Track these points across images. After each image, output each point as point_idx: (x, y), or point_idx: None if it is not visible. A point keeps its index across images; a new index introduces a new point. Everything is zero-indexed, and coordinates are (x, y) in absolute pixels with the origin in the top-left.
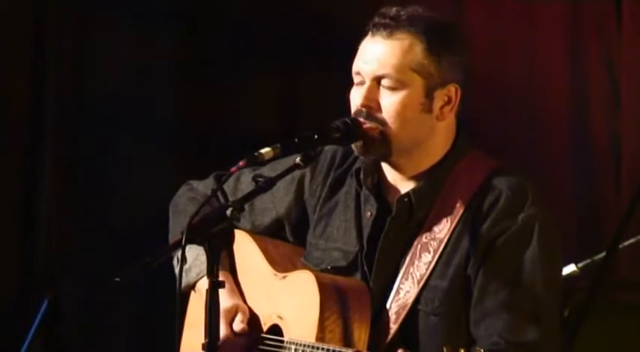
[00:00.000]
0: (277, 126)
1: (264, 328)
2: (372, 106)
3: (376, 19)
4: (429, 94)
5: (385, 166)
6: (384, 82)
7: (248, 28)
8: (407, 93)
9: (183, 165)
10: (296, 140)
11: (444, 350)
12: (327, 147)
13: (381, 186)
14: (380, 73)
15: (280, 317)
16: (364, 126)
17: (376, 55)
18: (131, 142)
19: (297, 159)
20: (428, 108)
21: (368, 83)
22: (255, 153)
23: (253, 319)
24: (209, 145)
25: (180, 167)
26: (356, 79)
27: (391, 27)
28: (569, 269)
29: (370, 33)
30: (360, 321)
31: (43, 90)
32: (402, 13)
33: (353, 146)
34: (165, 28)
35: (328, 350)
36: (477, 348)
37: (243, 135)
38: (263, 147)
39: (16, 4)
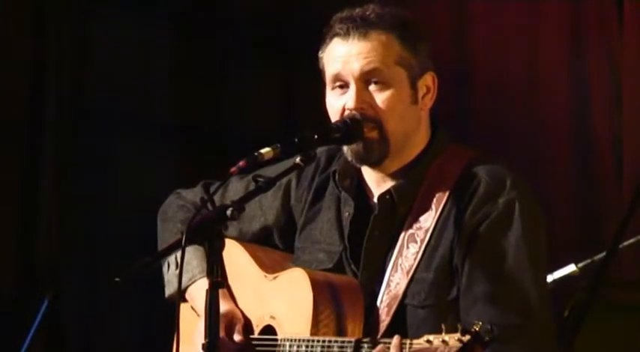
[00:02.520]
0: (277, 126)
1: (257, 330)
2: (364, 107)
3: (342, 24)
4: (413, 85)
5: (365, 167)
6: (374, 79)
7: (248, 28)
8: (397, 88)
9: (183, 165)
10: (296, 140)
11: (443, 327)
12: None
13: (361, 186)
14: (368, 70)
15: (273, 317)
16: (363, 129)
17: (358, 55)
18: (131, 142)
19: (297, 159)
20: (415, 100)
21: (355, 85)
22: (255, 153)
23: (245, 323)
24: (209, 145)
25: (180, 166)
26: (335, 84)
27: (364, 27)
28: (569, 269)
29: (339, 37)
30: (353, 316)
31: (43, 90)
32: (368, 13)
33: (350, 154)
34: (165, 28)
35: (324, 341)
36: (477, 322)
37: (243, 135)
38: (263, 147)
39: (15, 3)
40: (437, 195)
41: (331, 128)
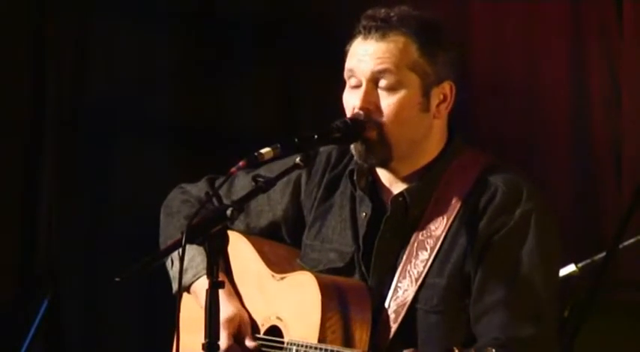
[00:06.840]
0: (277, 126)
1: (262, 329)
2: (370, 108)
3: (365, 22)
4: (425, 93)
5: (379, 168)
6: (382, 82)
7: (248, 28)
8: (405, 93)
9: (183, 165)
10: (296, 140)
11: (455, 350)
12: (322, 149)
13: (376, 186)
14: (378, 71)
15: (279, 319)
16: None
17: (372, 55)
18: (131, 142)
19: (297, 159)
20: (425, 107)
21: (365, 85)
22: (255, 153)
23: (250, 321)
24: (209, 145)
25: (180, 167)
26: (350, 81)
27: (384, 28)
28: (569, 269)
29: (362, 35)
30: (361, 321)
31: (43, 90)
32: (392, 14)
33: (354, 151)
34: (166, 28)
35: (333, 351)
36: (489, 348)
37: (243, 135)
38: (263, 147)
39: (16, 4)
40: (451, 201)
41: (331, 128)
